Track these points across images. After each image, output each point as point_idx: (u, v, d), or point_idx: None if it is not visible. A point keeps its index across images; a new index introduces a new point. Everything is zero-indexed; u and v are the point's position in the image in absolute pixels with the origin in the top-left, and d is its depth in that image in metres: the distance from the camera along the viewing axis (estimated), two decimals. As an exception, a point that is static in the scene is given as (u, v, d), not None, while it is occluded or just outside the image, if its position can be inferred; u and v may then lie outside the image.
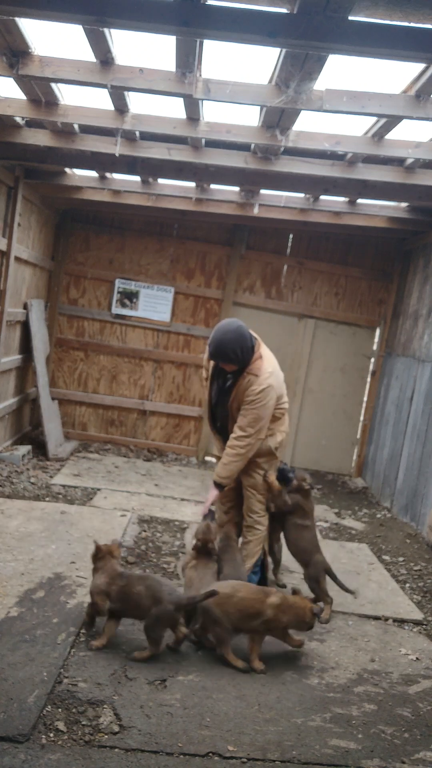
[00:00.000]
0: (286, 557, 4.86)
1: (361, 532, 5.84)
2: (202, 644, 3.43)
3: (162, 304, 7.68)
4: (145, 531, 5.11)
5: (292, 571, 4.66)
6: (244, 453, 3.82)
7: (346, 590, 4.13)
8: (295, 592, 3.55)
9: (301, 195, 6.11)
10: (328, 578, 4.06)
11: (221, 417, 4.00)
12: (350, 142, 4.44)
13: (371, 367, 7.87)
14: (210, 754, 2.62)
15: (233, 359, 3.69)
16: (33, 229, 6.73)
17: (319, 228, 7.12)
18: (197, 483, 6.74)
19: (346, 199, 6.07)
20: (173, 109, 4.22)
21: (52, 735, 2.60)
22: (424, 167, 4.93)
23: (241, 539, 4.11)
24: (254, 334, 3.87)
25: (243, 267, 7.68)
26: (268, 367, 3.80)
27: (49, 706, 2.77)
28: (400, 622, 4.10)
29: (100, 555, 3.43)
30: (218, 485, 3.92)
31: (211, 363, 3.96)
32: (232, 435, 3.84)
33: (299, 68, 3.23)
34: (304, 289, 7.75)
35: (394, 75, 3.62)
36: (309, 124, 4.44)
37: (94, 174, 6.14)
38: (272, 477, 4.01)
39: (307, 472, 4.27)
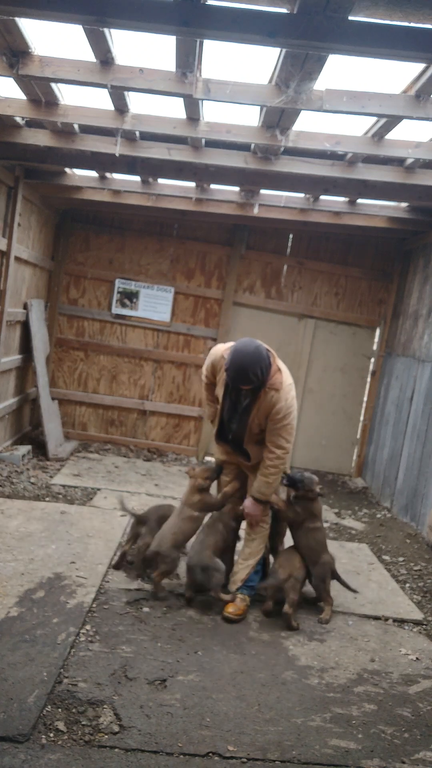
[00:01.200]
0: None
1: (361, 532, 5.84)
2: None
3: (162, 304, 7.68)
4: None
5: (292, 571, 4.66)
6: (284, 467, 3.87)
7: (350, 589, 4.14)
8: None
9: (301, 195, 6.11)
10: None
11: (236, 433, 3.88)
12: (350, 142, 4.43)
13: (371, 367, 7.87)
14: (210, 754, 2.63)
15: (254, 381, 3.58)
16: (33, 229, 6.73)
17: (319, 228, 7.12)
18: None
19: (346, 199, 6.07)
20: (173, 109, 4.22)
21: (52, 735, 2.60)
22: (424, 167, 4.93)
23: (245, 536, 4.09)
24: (268, 348, 3.72)
25: (243, 267, 7.68)
26: (288, 379, 3.76)
27: (49, 706, 2.77)
28: (400, 622, 4.10)
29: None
30: (261, 501, 3.89)
31: (221, 377, 3.84)
32: (271, 454, 3.74)
33: (299, 68, 3.23)
34: (304, 289, 7.75)
35: (394, 75, 3.62)
36: (309, 124, 4.44)
37: (94, 174, 6.14)
38: (275, 498, 3.98)
39: (308, 472, 4.26)
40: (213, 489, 4.18)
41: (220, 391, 3.91)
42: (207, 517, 4.11)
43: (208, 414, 4.20)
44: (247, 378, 3.55)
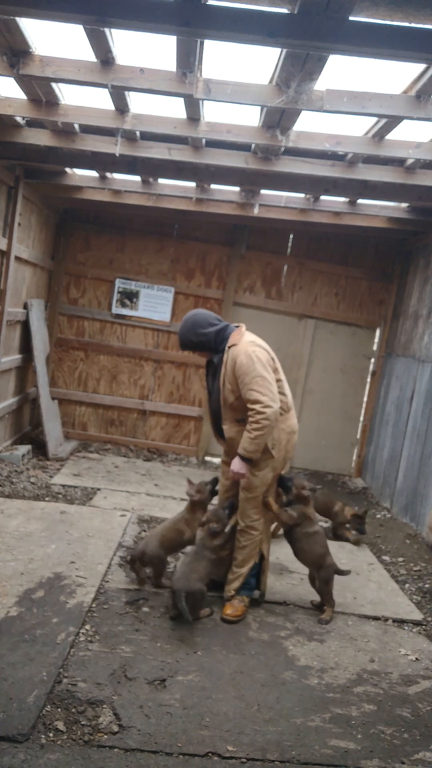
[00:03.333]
0: (285, 557, 4.87)
1: (360, 532, 5.83)
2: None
3: (162, 304, 7.68)
4: (145, 531, 5.10)
5: (291, 571, 4.66)
6: (268, 423, 3.61)
7: (341, 572, 4.12)
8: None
9: (302, 195, 6.11)
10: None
11: (215, 410, 3.96)
12: (351, 142, 4.43)
13: (371, 367, 7.87)
14: (209, 754, 2.63)
15: (194, 345, 3.84)
16: (33, 229, 6.73)
17: (320, 228, 7.11)
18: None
19: (347, 200, 6.07)
20: (174, 109, 4.22)
21: (51, 735, 2.60)
22: (425, 168, 4.93)
23: (236, 542, 3.98)
24: (236, 324, 3.98)
25: (243, 267, 7.68)
26: (249, 337, 3.85)
27: (49, 706, 2.77)
28: (400, 622, 4.10)
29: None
30: (246, 459, 3.74)
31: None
32: (251, 411, 3.61)
33: (300, 68, 3.23)
34: (305, 290, 7.75)
35: (395, 75, 3.61)
36: (309, 124, 4.44)
37: (94, 174, 6.14)
38: (270, 499, 3.92)
39: (303, 474, 4.24)
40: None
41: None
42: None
43: (210, 417, 4.22)
44: (183, 343, 3.84)
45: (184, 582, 3.60)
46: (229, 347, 3.78)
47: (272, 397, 3.64)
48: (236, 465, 3.76)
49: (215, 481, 4.25)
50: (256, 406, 3.61)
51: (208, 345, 3.85)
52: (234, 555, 4.00)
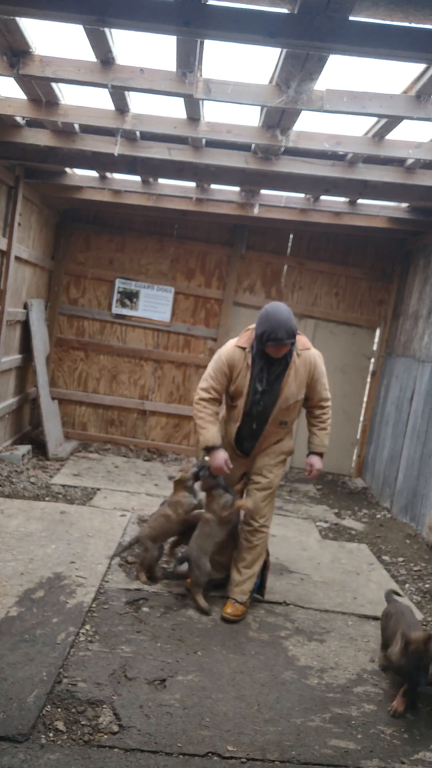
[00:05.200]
0: (285, 558, 4.87)
1: (360, 532, 5.84)
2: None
3: (162, 304, 7.68)
4: (144, 531, 5.10)
5: (291, 571, 4.66)
6: (330, 421, 4.02)
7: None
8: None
9: (302, 195, 6.11)
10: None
11: (262, 413, 3.79)
12: (351, 142, 4.44)
13: (371, 367, 7.87)
14: (209, 755, 2.62)
15: (293, 336, 3.62)
16: (33, 229, 6.73)
17: (320, 228, 7.12)
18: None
19: (347, 200, 6.07)
20: (174, 109, 4.22)
21: (51, 735, 2.60)
22: (425, 168, 4.93)
23: (244, 543, 3.98)
24: None
25: (243, 267, 7.68)
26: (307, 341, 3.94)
27: (49, 706, 2.77)
28: (400, 622, 4.10)
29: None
30: (320, 455, 4.01)
31: (247, 363, 3.73)
32: (323, 410, 3.95)
33: (300, 68, 3.23)
34: (305, 290, 7.75)
35: (395, 75, 3.62)
36: (309, 124, 4.44)
37: (94, 174, 6.14)
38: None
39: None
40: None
41: (244, 381, 3.77)
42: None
43: (213, 433, 3.83)
44: (290, 331, 3.58)
45: (195, 551, 3.89)
46: (302, 350, 3.78)
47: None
48: (319, 462, 4.00)
49: (202, 467, 4.08)
50: (326, 403, 3.97)
51: (295, 337, 3.71)
52: (242, 555, 3.97)
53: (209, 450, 3.82)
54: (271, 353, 3.67)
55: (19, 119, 4.73)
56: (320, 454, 4.02)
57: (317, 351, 3.92)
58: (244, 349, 3.78)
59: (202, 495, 4.12)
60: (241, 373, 3.78)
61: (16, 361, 6.61)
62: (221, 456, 3.78)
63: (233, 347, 3.83)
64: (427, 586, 4.71)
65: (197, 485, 4.09)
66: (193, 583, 3.92)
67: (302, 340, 3.83)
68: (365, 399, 7.89)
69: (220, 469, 3.79)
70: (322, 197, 6.12)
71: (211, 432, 3.80)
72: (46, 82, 3.94)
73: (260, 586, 4.06)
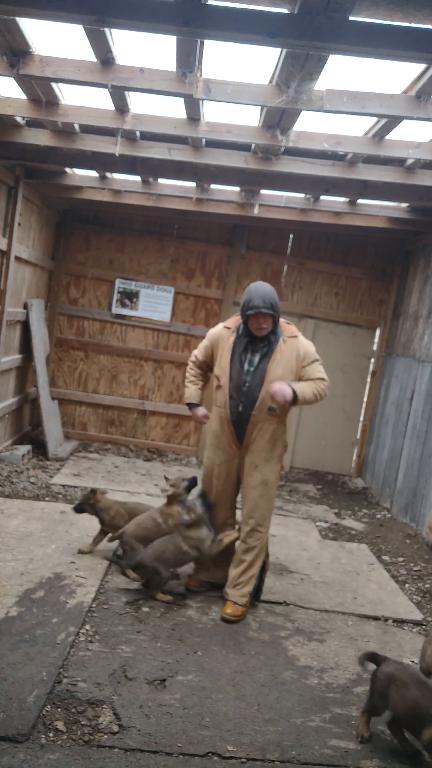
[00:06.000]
0: (285, 557, 4.87)
1: (360, 532, 5.84)
2: None
3: (162, 304, 7.68)
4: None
5: (291, 571, 4.66)
6: (323, 395, 3.91)
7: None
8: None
9: (302, 195, 6.11)
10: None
11: (247, 395, 3.78)
12: (351, 142, 4.44)
13: (371, 367, 7.87)
14: (209, 755, 2.62)
15: (274, 310, 3.72)
16: (33, 229, 6.73)
17: (320, 228, 7.12)
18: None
19: (347, 200, 6.07)
20: (174, 109, 4.22)
21: (51, 735, 2.60)
22: (425, 168, 4.93)
23: (241, 545, 3.96)
24: None
25: (243, 267, 7.68)
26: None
27: (49, 706, 2.77)
28: (400, 622, 4.10)
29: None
30: (294, 398, 3.73)
31: (230, 341, 3.86)
32: (316, 381, 3.87)
33: (300, 68, 3.23)
34: (305, 290, 7.75)
35: (395, 75, 3.61)
36: (309, 124, 4.44)
37: (94, 174, 6.14)
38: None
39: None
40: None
41: (225, 359, 3.89)
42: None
43: (193, 391, 4.21)
44: (271, 304, 3.70)
45: (145, 552, 3.94)
46: (288, 337, 3.87)
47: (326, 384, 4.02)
48: (280, 385, 3.69)
49: (193, 479, 4.30)
50: (324, 383, 3.93)
51: (276, 319, 3.81)
52: (241, 557, 3.94)
53: (190, 407, 4.24)
54: (253, 329, 3.79)
55: (19, 119, 4.73)
56: (294, 392, 3.72)
57: (307, 340, 3.99)
58: (229, 329, 3.97)
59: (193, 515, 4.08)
60: (224, 352, 3.93)
61: (16, 361, 6.61)
62: (200, 411, 4.21)
63: (221, 327, 4.06)
64: (427, 586, 4.71)
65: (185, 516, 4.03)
66: (152, 587, 3.94)
67: (290, 328, 3.95)
68: (365, 399, 7.89)
69: (199, 420, 4.22)
70: (322, 197, 6.12)
71: (190, 389, 4.24)
72: (46, 82, 3.94)
73: (257, 588, 4.03)
